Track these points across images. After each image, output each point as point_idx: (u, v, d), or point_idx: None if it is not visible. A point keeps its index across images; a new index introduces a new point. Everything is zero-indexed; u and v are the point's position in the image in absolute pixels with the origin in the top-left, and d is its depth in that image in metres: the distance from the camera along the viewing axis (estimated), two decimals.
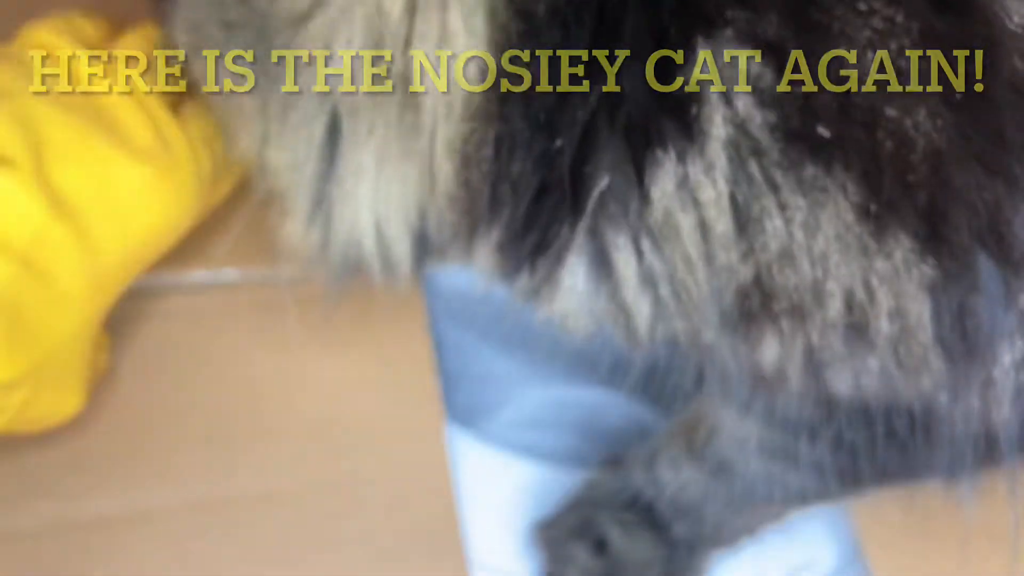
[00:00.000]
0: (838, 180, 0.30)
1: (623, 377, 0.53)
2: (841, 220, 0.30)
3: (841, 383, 0.34)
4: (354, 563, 0.46)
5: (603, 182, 0.32)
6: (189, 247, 0.49)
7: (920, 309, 0.31)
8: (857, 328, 0.32)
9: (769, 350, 0.34)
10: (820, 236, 0.31)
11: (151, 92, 0.42)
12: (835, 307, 0.32)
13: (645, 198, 0.32)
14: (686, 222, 0.32)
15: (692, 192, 0.31)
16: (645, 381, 0.53)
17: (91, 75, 0.41)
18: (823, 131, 0.30)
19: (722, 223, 0.31)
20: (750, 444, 0.42)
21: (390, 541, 0.46)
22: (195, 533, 0.45)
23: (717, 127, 0.30)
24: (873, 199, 0.30)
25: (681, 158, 0.31)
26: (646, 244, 0.33)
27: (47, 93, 0.40)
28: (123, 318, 0.45)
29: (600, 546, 0.47)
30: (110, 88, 0.41)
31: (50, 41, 0.41)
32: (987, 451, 0.37)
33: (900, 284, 0.31)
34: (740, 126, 0.30)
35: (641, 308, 0.35)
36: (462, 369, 0.52)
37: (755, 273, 0.32)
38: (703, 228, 0.32)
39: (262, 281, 0.51)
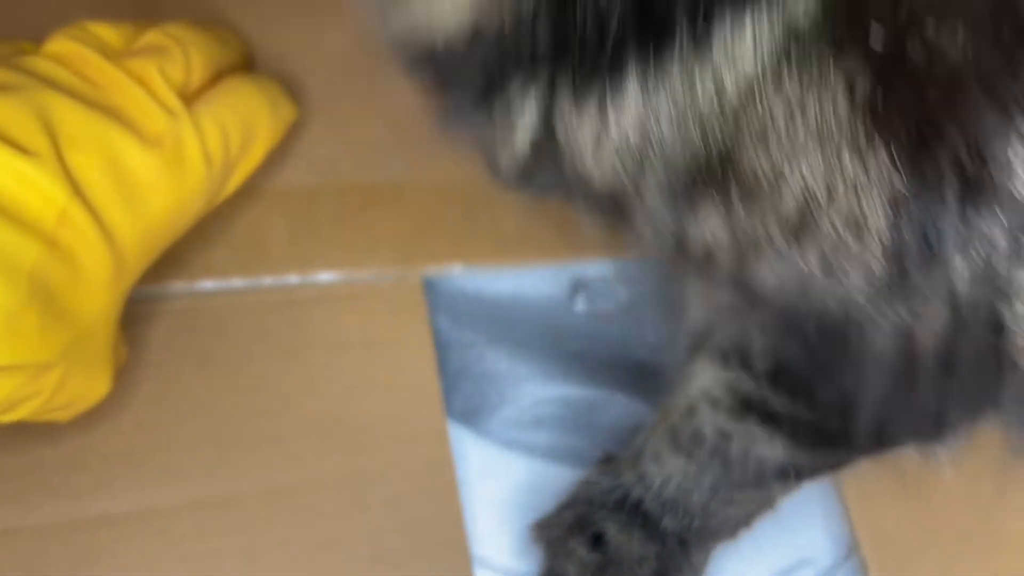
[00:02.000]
0: (846, 73, 0.30)
1: (620, 374, 0.54)
2: (833, 114, 0.31)
3: (764, 273, 0.35)
4: (357, 561, 0.46)
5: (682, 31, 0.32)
6: (195, 258, 0.50)
7: (879, 221, 0.32)
8: (802, 226, 0.32)
9: (704, 224, 0.34)
10: (803, 125, 0.31)
11: (164, 85, 0.43)
12: (789, 200, 0.32)
13: (703, 53, 0.32)
14: (705, 82, 0.32)
15: (735, 57, 0.32)
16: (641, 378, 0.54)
17: (104, 72, 0.42)
18: (874, 43, 0.30)
19: (733, 93, 0.32)
20: (720, 401, 0.42)
21: (393, 539, 0.47)
22: (199, 532, 0.45)
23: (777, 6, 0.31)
24: (882, 99, 0.30)
25: (738, 26, 0.31)
26: (651, 86, 0.33)
27: (58, 87, 0.41)
28: (128, 319, 0.45)
29: (597, 540, 0.47)
30: (122, 82, 0.42)
31: (67, 49, 0.42)
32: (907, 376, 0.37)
33: (868, 192, 0.31)
34: (791, 12, 0.31)
35: (613, 145, 0.34)
36: (463, 368, 0.53)
37: (724, 147, 0.32)
38: (715, 91, 0.32)
39: (267, 288, 0.51)
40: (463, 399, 0.52)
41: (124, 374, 0.46)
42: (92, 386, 0.42)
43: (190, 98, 0.45)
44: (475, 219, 0.55)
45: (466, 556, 0.47)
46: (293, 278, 0.51)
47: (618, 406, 0.53)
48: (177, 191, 0.43)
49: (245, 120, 0.46)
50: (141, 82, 0.43)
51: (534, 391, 0.53)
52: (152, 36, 0.45)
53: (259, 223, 0.52)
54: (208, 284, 0.50)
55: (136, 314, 0.48)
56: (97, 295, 0.40)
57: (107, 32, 0.45)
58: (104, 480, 0.45)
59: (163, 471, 0.46)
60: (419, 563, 0.47)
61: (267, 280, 0.51)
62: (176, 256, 0.48)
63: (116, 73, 0.42)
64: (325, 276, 0.52)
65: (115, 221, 0.41)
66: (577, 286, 0.55)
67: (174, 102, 0.43)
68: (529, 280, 0.55)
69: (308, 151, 0.54)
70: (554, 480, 0.50)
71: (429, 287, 0.53)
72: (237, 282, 0.51)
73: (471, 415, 0.52)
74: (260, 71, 0.54)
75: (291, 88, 0.53)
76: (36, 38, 0.44)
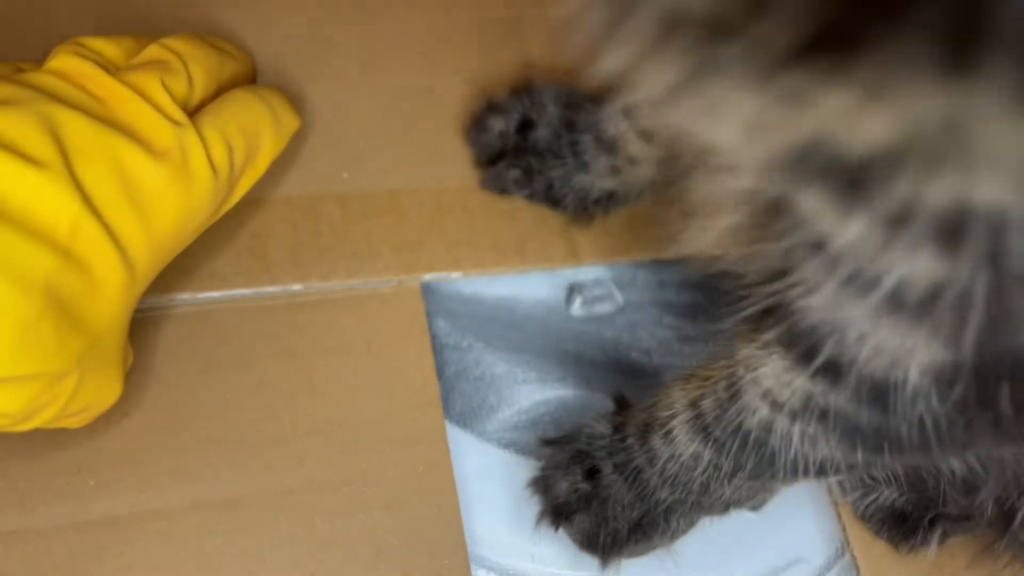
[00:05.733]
0: None
1: (616, 376, 0.55)
2: None
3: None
4: (358, 561, 0.47)
5: None
6: (199, 266, 0.51)
7: None
8: None
9: None
10: None
11: (167, 98, 0.44)
12: None
13: None
14: None
15: None
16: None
17: (107, 86, 0.43)
18: None
19: None
20: (785, 404, 0.40)
21: (393, 539, 0.47)
22: (203, 533, 0.46)
23: None
24: None
25: None
26: None
27: (64, 101, 0.41)
28: (133, 324, 0.45)
29: (591, 473, 0.48)
30: (125, 96, 0.43)
31: (69, 65, 0.43)
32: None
33: None
34: None
35: None
36: (462, 371, 0.53)
37: None
38: None
39: (272, 296, 0.52)
40: (462, 401, 0.53)
41: (129, 377, 0.46)
42: (105, 392, 0.43)
43: (193, 111, 0.45)
44: (473, 227, 0.56)
45: (464, 555, 0.48)
46: (295, 287, 0.52)
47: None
48: (184, 202, 0.43)
49: (248, 131, 0.47)
50: (144, 95, 0.43)
51: (531, 393, 0.54)
52: (153, 50, 0.46)
53: (262, 232, 0.53)
54: (212, 294, 0.51)
55: (141, 319, 0.49)
56: (110, 303, 0.41)
57: (107, 47, 0.45)
58: (109, 482, 0.46)
59: (167, 473, 0.47)
60: (419, 562, 0.47)
61: (269, 289, 0.52)
62: (180, 264, 0.49)
63: (119, 87, 0.43)
64: (326, 285, 0.53)
65: (126, 231, 0.41)
66: (573, 290, 0.56)
67: (179, 114, 0.44)
68: (526, 284, 0.56)
69: (309, 161, 0.55)
70: None
71: (428, 291, 0.54)
72: (241, 291, 0.51)
73: (469, 417, 0.52)
74: (262, 82, 0.54)
75: (292, 99, 0.54)
76: (38, 55, 0.45)
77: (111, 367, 0.43)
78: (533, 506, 0.49)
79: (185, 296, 0.51)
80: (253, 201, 0.53)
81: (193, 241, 0.48)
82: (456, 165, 0.57)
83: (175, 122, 0.43)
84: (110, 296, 0.41)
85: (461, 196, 0.56)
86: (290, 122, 0.51)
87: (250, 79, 0.52)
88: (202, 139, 0.44)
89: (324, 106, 0.56)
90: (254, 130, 0.47)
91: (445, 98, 0.58)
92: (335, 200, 0.55)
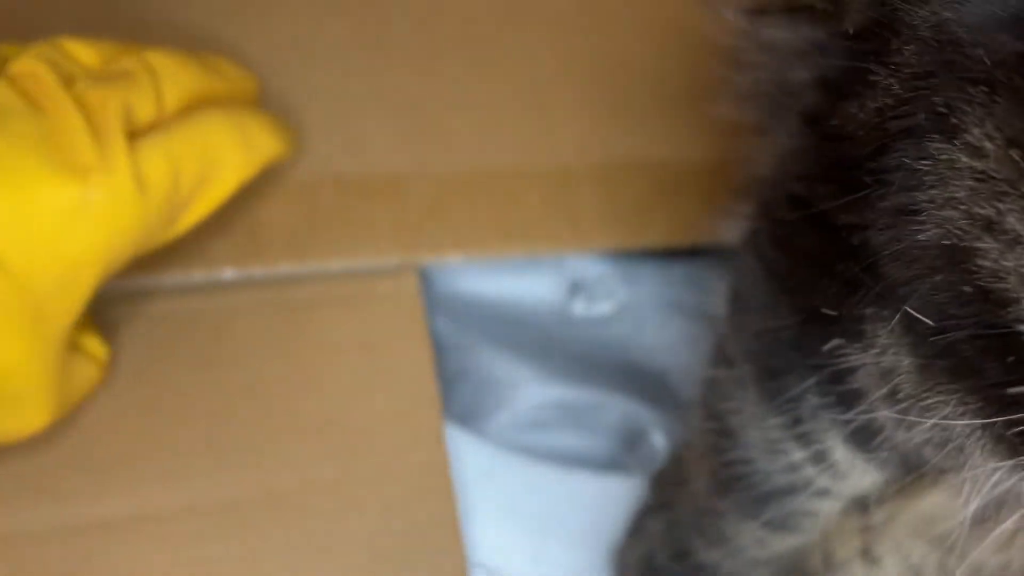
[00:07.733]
0: None
1: (618, 376, 0.54)
2: None
3: None
4: (354, 564, 0.46)
5: None
6: (188, 248, 0.49)
7: None
8: None
9: None
10: None
11: (115, 116, 0.41)
12: None
13: None
14: None
15: None
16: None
17: (52, 97, 0.40)
18: None
19: None
20: None
21: (390, 542, 0.47)
22: (196, 535, 0.45)
23: None
24: None
25: None
26: None
27: None
28: (123, 320, 0.45)
29: None
30: (65, 110, 0.40)
31: (28, 69, 0.40)
32: None
33: None
34: None
35: None
36: (461, 370, 0.53)
37: None
38: None
39: (261, 280, 0.51)
40: (461, 401, 0.52)
41: (120, 378, 0.45)
42: (18, 423, 0.42)
43: (149, 126, 0.43)
44: (474, 210, 0.54)
45: (462, 558, 0.47)
46: (293, 269, 0.51)
47: (616, 409, 0.54)
48: (105, 226, 0.40)
49: (205, 153, 0.44)
50: (89, 112, 0.40)
51: (532, 393, 0.53)
52: (127, 62, 0.43)
53: (257, 215, 0.51)
54: (201, 276, 0.50)
55: (131, 314, 0.48)
56: (10, 344, 0.39)
57: (83, 51, 0.43)
58: (100, 484, 0.45)
59: (159, 475, 0.46)
60: (416, 566, 0.47)
61: (262, 274, 0.51)
62: (172, 247, 0.47)
63: (63, 100, 0.40)
64: (322, 268, 0.51)
65: (24, 265, 0.38)
66: (575, 288, 0.56)
67: (115, 133, 0.40)
68: (528, 282, 0.56)
69: (307, 142, 0.53)
70: (552, 482, 0.50)
71: (428, 290, 0.53)
72: (230, 272, 0.50)
73: (469, 417, 0.52)
74: (258, 66, 0.52)
75: (290, 80, 0.52)
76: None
77: (27, 401, 0.41)
78: (533, 509, 0.49)
79: (176, 278, 0.49)
80: (249, 184, 0.51)
81: None
82: (459, 147, 0.55)
83: (107, 142, 0.40)
84: (9, 336, 0.38)
85: (464, 179, 0.55)
86: (266, 147, 0.47)
87: (247, 99, 0.50)
88: (137, 158, 0.41)
89: (323, 87, 0.54)
90: (213, 153, 0.44)
91: (448, 78, 0.56)
92: (333, 182, 0.53)
